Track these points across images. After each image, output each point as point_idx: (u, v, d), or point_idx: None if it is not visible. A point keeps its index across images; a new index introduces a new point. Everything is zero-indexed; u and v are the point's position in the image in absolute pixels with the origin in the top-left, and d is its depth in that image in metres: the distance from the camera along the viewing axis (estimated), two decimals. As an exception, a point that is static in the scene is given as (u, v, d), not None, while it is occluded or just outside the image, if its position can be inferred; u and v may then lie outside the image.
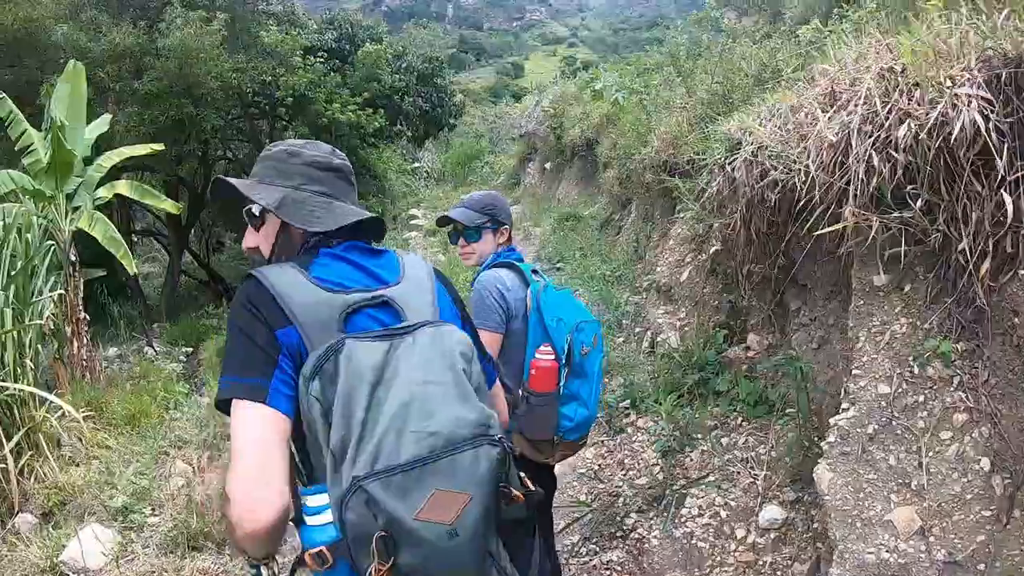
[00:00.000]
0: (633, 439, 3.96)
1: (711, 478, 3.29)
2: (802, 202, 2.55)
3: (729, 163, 3.43)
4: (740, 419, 3.60)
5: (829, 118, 2.45)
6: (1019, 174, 1.90)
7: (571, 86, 15.05)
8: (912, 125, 2.15)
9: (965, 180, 2.03)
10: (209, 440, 4.23)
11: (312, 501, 1.10)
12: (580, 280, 7.11)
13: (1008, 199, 1.87)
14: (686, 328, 4.59)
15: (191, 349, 9.77)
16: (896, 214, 2.25)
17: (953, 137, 1.95)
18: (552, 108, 13.90)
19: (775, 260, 3.47)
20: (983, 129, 1.89)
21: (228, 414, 1.09)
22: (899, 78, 2.30)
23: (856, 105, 2.38)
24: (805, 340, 3.29)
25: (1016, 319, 1.89)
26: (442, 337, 1.15)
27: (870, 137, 2.25)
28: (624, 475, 3.65)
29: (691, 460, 3.50)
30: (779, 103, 3.24)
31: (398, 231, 14.46)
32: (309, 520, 1.11)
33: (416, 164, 23.96)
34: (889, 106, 2.26)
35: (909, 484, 1.98)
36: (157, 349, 9.35)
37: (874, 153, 2.21)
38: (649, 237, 6.94)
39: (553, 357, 2.01)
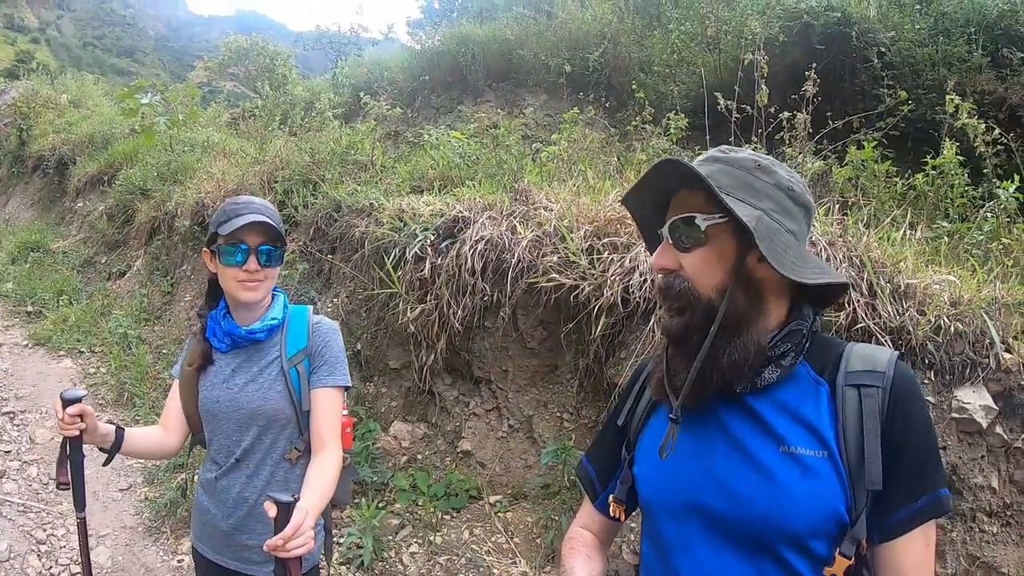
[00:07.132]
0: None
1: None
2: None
3: (435, 244, 3.50)
4: (439, 513, 3.28)
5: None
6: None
7: (46, 87, 12.90)
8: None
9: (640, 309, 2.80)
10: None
11: None
12: (78, 336, 5.72)
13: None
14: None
15: None
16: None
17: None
18: (24, 105, 11.60)
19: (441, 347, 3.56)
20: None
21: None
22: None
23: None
24: (484, 429, 3.48)
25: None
26: None
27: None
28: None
29: (402, 567, 3.02)
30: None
31: None
32: None
33: None
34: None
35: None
36: None
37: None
38: (171, 294, 6.04)
39: (348, 412, 1.81)
